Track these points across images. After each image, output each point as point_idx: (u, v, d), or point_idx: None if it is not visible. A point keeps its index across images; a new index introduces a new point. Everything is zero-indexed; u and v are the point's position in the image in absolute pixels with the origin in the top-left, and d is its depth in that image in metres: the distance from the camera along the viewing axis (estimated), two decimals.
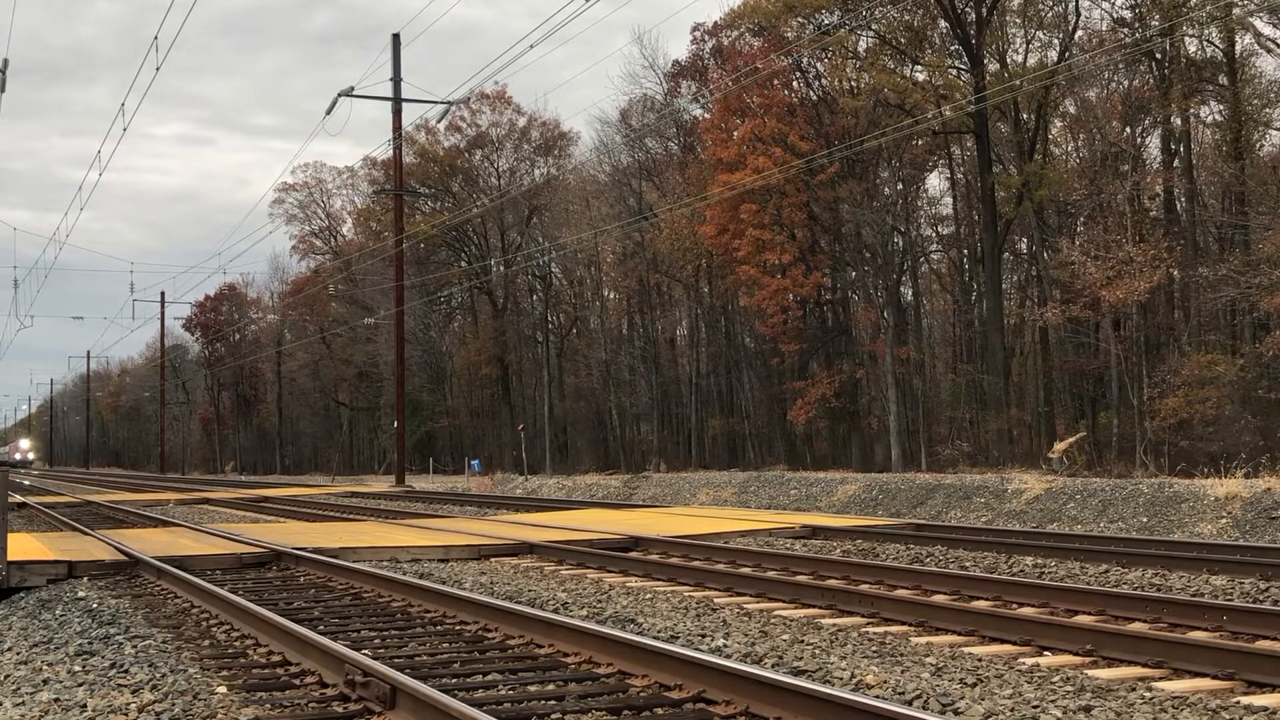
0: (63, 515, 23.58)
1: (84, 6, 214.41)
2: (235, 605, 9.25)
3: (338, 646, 7.11)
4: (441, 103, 42.74)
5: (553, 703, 6.21)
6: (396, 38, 41.15)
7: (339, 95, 39.80)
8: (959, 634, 8.30)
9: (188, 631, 8.92)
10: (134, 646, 8.15)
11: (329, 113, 40.86)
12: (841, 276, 42.86)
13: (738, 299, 46.58)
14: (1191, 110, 34.68)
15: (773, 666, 6.97)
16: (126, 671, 7.23)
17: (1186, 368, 30.16)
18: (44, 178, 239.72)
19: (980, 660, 7.37)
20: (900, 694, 6.29)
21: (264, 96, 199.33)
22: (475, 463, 51.84)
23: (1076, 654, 7.46)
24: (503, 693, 6.50)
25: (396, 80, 41.00)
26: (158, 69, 27.41)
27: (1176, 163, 35.58)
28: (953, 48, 39.09)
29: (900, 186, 42.85)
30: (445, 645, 8.03)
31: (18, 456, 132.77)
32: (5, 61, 24.73)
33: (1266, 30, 32.90)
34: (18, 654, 8.15)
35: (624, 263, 52.71)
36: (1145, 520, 17.24)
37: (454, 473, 56.54)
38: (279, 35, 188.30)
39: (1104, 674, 6.90)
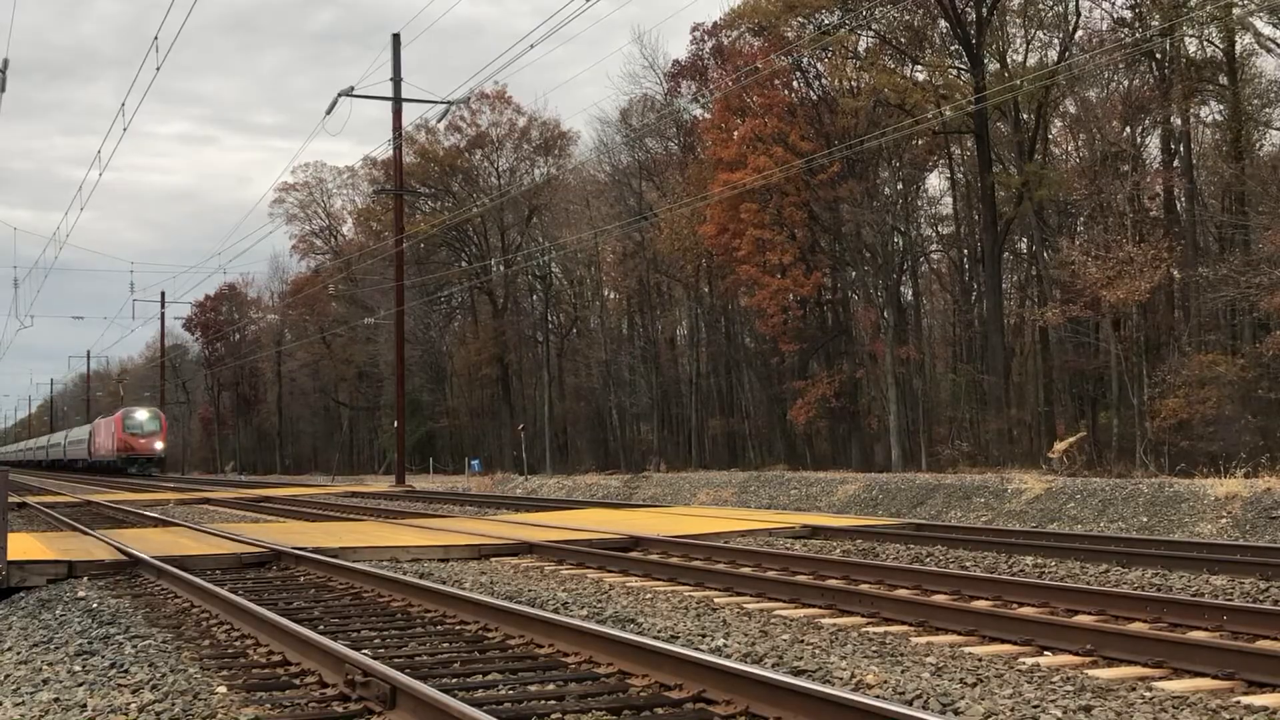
0: (63, 515, 23.58)
1: (86, 6, 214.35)
2: (235, 605, 9.24)
3: (338, 646, 7.11)
4: (442, 102, 42.76)
5: (553, 702, 6.21)
6: (396, 38, 41.17)
7: (339, 95, 39.80)
8: (959, 634, 8.30)
9: (188, 631, 8.92)
10: (134, 646, 8.15)
11: (329, 112, 40.86)
12: (841, 276, 42.88)
13: (738, 299, 46.60)
14: (1191, 110, 34.70)
15: (773, 666, 6.97)
16: (126, 671, 7.23)
17: (1187, 368, 30.17)
18: (45, 177, 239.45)
19: (980, 660, 7.37)
20: (900, 694, 6.29)
21: (266, 95, 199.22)
22: (475, 463, 51.83)
23: (1076, 654, 7.45)
24: (503, 692, 6.50)
25: (396, 80, 41.01)
26: (158, 68, 27.42)
27: (1176, 163, 35.59)
28: (953, 48, 39.11)
29: (900, 186, 42.88)
30: (445, 645, 8.03)
31: (103, 450, 68.37)
32: (5, 61, 24.74)
33: (1266, 30, 32.91)
34: (18, 654, 8.15)
35: (624, 263, 52.74)
36: (1145, 520, 17.24)
37: (454, 473, 56.54)
38: (281, 34, 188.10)
39: (1104, 674, 6.90)
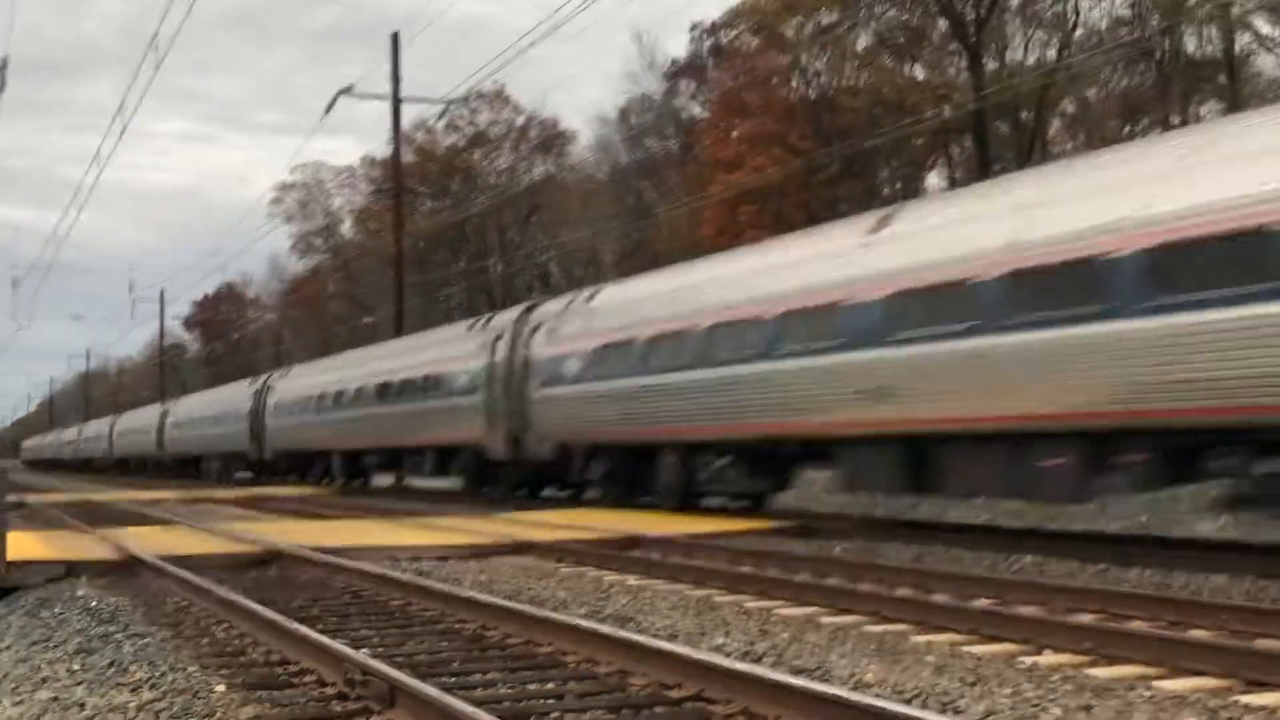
0: (62, 513, 23.57)
1: (88, 3, 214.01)
2: (234, 604, 9.24)
3: (337, 645, 7.11)
4: (440, 101, 42.81)
5: (552, 701, 6.21)
6: (395, 37, 41.17)
7: (338, 94, 39.87)
8: (959, 633, 8.29)
9: (187, 630, 8.91)
10: (133, 645, 8.15)
11: (328, 111, 40.94)
12: None
13: None
14: (1191, 109, 34.72)
15: (772, 665, 6.97)
16: (125, 670, 7.23)
17: None
18: (46, 175, 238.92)
19: (980, 659, 7.37)
20: (900, 692, 6.29)
21: (268, 93, 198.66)
22: None
23: (1076, 653, 7.45)
24: (502, 691, 6.50)
25: (395, 80, 41.02)
26: (157, 67, 27.44)
27: None
28: (952, 47, 39.13)
29: (899, 186, 42.89)
30: (445, 644, 8.03)
31: None
32: (5, 59, 24.75)
33: (1265, 29, 32.92)
34: (17, 652, 8.15)
35: (623, 262, 52.77)
36: (1145, 519, 17.23)
37: None
38: (283, 31, 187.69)
39: (1103, 673, 6.89)
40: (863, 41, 41.11)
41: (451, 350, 27.11)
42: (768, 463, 17.47)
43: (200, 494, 33.45)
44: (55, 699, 6.50)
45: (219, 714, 6.10)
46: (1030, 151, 37.33)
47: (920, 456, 14.08)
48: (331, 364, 38.86)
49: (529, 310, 24.75)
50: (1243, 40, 34.02)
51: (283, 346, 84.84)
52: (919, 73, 40.08)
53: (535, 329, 23.42)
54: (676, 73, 50.32)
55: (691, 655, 6.49)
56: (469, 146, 63.30)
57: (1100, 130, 36.80)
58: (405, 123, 43.60)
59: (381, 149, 51.95)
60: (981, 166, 37.11)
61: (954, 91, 37.32)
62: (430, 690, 5.81)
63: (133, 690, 6.63)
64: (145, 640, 8.33)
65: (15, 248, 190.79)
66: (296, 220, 79.78)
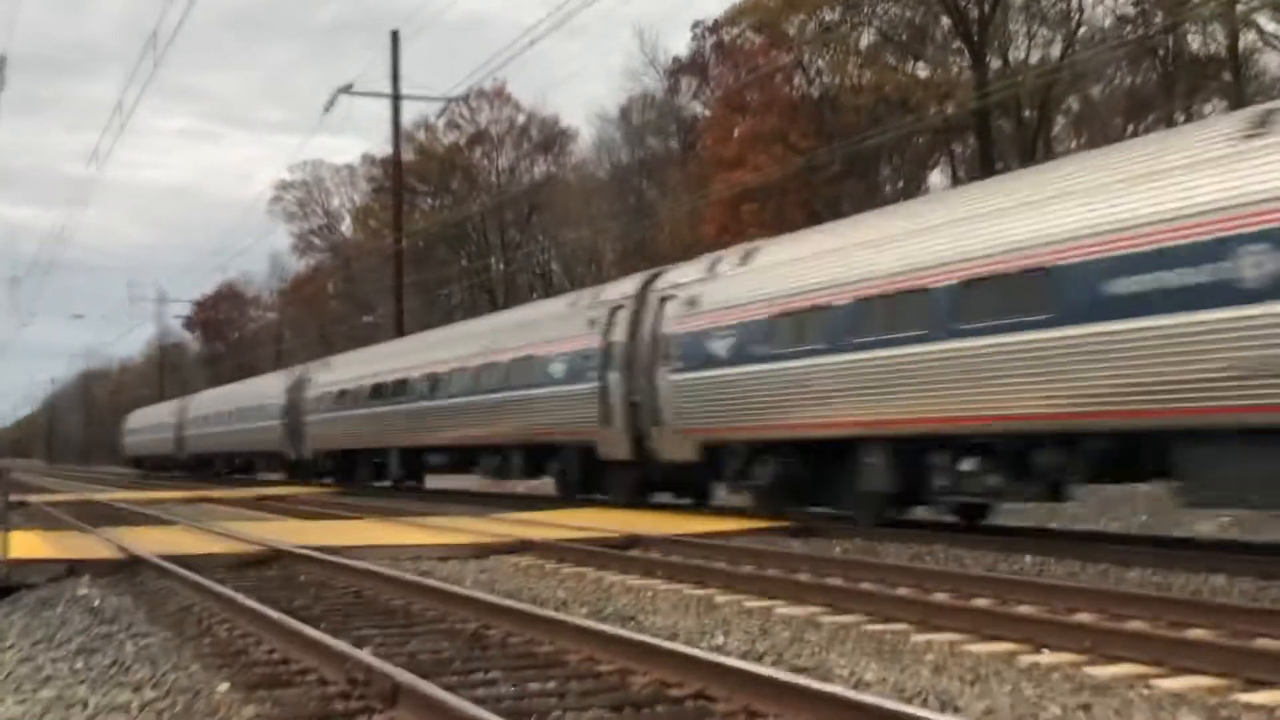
0: (63, 513, 23.60)
1: (88, 1, 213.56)
2: (236, 603, 9.26)
3: (339, 644, 7.13)
4: (440, 99, 42.85)
5: (554, 700, 6.23)
6: (395, 35, 41.19)
7: (337, 92, 39.92)
8: (958, 632, 8.31)
9: (189, 629, 8.93)
10: (135, 644, 8.17)
11: (327, 109, 40.99)
12: None
13: None
14: (1195, 107, 34.72)
15: (773, 664, 6.99)
16: (128, 669, 7.26)
17: None
18: (47, 174, 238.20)
19: (980, 658, 7.38)
20: (900, 691, 6.31)
21: (269, 90, 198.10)
22: None
23: (1076, 652, 7.46)
24: (504, 690, 6.52)
25: (395, 77, 41.05)
26: (157, 64, 27.42)
27: None
28: (955, 44, 39.12)
29: (902, 184, 42.90)
30: (446, 643, 8.05)
31: None
32: (4, 58, 24.73)
33: (1270, 27, 32.91)
34: (19, 652, 8.17)
35: (624, 261, 52.80)
36: (1145, 519, 17.24)
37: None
38: (286, 28, 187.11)
39: (1103, 672, 6.91)
40: (865, 39, 41.15)
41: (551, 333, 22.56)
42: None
43: (199, 493, 33.47)
44: (58, 697, 6.52)
45: (221, 713, 6.12)
46: (1034, 150, 37.31)
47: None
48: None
49: (651, 280, 20.05)
50: (1247, 38, 34.02)
51: (283, 346, 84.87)
52: (922, 71, 40.06)
53: (666, 299, 18.99)
54: (678, 70, 50.33)
55: (693, 654, 6.51)
56: (470, 144, 63.32)
57: (1105, 128, 36.78)
58: (406, 121, 43.65)
59: (382, 147, 51.96)
60: (984, 165, 37.09)
61: (956, 89, 37.28)
62: (432, 689, 5.83)
63: (135, 689, 6.66)
64: (147, 639, 8.35)
65: (15, 246, 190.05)
66: (296, 219, 79.91)
